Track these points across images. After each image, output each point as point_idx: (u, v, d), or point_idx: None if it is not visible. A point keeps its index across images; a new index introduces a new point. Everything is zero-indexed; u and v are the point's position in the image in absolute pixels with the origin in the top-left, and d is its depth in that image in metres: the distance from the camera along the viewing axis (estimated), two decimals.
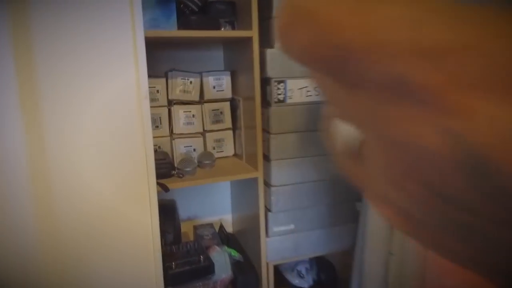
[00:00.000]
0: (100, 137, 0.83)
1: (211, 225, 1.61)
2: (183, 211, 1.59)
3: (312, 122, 1.26)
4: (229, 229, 1.65)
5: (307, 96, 1.24)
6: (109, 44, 0.80)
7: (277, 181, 1.27)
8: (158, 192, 0.92)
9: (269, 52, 1.19)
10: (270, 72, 1.20)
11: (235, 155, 1.43)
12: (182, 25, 1.13)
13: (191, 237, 1.56)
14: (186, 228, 1.61)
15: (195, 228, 1.61)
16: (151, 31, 1.01)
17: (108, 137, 0.84)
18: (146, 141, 0.86)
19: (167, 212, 1.39)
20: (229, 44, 1.40)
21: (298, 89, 1.23)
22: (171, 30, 1.09)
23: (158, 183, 1.08)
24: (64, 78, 0.79)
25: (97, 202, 0.85)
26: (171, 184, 1.13)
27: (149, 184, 0.89)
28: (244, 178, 1.23)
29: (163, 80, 1.30)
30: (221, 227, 1.59)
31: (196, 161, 1.27)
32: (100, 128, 0.83)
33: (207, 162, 1.28)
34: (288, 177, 1.28)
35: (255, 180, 1.24)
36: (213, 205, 1.64)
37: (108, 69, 0.81)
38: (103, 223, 0.86)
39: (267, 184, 1.30)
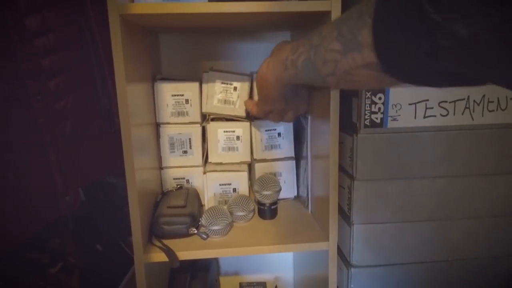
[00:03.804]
0: None
1: (263, 285, 1.17)
2: (227, 262, 1.17)
3: (433, 163, 0.71)
4: None
5: (427, 117, 0.70)
6: None
7: (362, 259, 0.75)
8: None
9: None
10: None
11: (297, 197, 0.95)
12: None
13: None
14: (229, 286, 1.19)
15: (241, 286, 1.18)
16: (152, 3, 0.59)
17: None
18: None
19: (197, 271, 0.98)
20: (299, 27, 0.92)
21: (410, 104, 0.69)
22: (192, 2, 0.65)
23: (162, 248, 0.68)
24: None
25: None
26: (185, 250, 0.70)
27: None
28: (307, 247, 0.74)
29: (196, 85, 0.88)
30: None
31: (238, 207, 0.82)
32: None
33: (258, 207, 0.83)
34: (380, 252, 0.75)
35: (323, 253, 0.74)
36: (268, 257, 1.19)
37: None
38: None
39: (344, 259, 0.79)
